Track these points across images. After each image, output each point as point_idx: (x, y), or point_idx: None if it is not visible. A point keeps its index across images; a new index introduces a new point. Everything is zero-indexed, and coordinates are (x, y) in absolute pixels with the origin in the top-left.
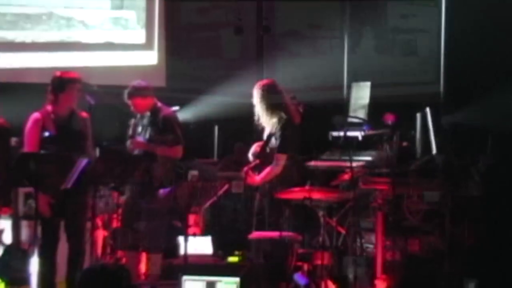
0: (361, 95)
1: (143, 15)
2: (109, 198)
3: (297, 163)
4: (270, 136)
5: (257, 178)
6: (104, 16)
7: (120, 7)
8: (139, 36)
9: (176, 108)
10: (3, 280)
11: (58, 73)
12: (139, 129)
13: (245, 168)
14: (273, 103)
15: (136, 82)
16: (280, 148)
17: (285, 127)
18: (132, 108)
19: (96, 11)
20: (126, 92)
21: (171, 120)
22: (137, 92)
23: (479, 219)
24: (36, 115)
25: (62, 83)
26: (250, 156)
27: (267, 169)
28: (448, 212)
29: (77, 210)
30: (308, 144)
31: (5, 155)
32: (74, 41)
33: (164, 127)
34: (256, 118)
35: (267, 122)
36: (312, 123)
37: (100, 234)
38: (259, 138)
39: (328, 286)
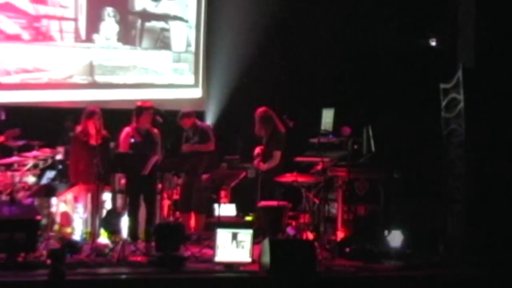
0: (328, 116)
1: (192, 66)
2: (171, 180)
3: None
4: (267, 141)
5: (264, 166)
6: (168, 67)
7: (178, 61)
8: (190, 80)
9: None
10: (106, 230)
11: (138, 103)
12: (189, 137)
13: (256, 160)
14: (267, 122)
15: (184, 109)
16: (276, 148)
17: (275, 135)
18: (182, 125)
19: (163, 63)
20: (178, 115)
21: (205, 129)
22: (184, 115)
23: (401, 193)
24: (127, 129)
25: (141, 109)
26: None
27: (269, 161)
28: (382, 188)
29: (150, 187)
30: (295, 146)
31: (107, 153)
32: (150, 82)
33: (202, 134)
34: (256, 131)
35: (264, 134)
36: (298, 133)
37: (166, 203)
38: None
39: (308, 235)
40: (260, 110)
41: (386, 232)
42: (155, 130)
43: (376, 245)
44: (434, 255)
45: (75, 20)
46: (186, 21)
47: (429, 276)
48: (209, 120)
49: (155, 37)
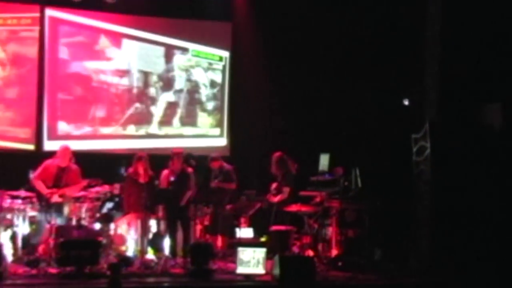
0: (324, 159)
1: (218, 121)
2: (202, 209)
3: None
4: (281, 179)
5: (276, 199)
6: (207, 123)
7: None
8: (217, 132)
9: None
10: (153, 249)
11: (172, 150)
12: (216, 176)
13: (269, 195)
14: (281, 164)
15: (213, 153)
16: (286, 185)
17: (287, 175)
18: (211, 166)
19: (203, 118)
20: (208, 159)
21: (230, 171)
22: (212, 159)
23: (381, 219)
24: (165, 171)
25: (173, 154)
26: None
27: (280, 195)
28: (367, 216)
29: (186, 215)
30: (299, 183)
31: (153, 189)
32: (186, 134)
33: (226, 174)
34: (272, 170)
35: (278, 173)
36: (301, 173)
37: (198, 227)
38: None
39: (309, 252)
40: (276, 154)
41: (370, 250)
42: (189, 170)
43: (362, 259)
44: (406, 266)
45: (131, 88)
46: (218, 85)
47: (403, 282)
48: (232, 162)
49: None
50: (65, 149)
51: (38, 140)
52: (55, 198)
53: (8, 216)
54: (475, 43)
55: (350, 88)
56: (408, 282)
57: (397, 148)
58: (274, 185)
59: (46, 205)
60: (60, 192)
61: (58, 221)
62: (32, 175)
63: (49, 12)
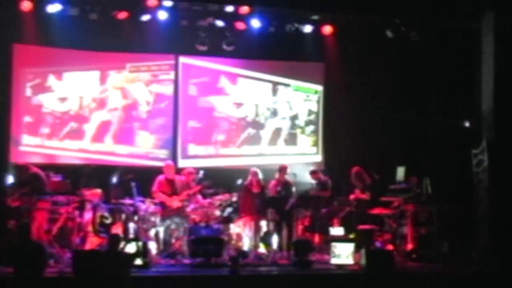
0: (401, 171)
1: (315, 141)
2: (303, 212)
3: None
4: (361, 189)
5: (362, 196)
6: (306, 143)
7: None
8: (313, 150)
9: None
10: (264, 244)
11: (280, 165)
12: (315, 185)
13: (357, 191)
14: (359, 177)
15: (312, 168)
16: (365, 191)
17: (365, 185)
18: (311, 177)
19: (302, 139)
20: (308, 172)
21: (326, 181)
22: (312, 172)
23: (447, 220)
24: (273, 182)
25: (280, 169)
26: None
27: (365, 195)
28: (436, 217)
29: (290, 217)
30: (381, 190)
31: (263, 197)
32: (290, 152)
33: (323, 184)
34: (352, 181)
35: (357, 183)
36: (383, 182)
37: (300, 227)
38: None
39: (389, 247)
40: (355, 169)
41: (438, 242)
42: (291, 182)
43: (433, 252)
44: (469, 258)
45: (245, 117)
46: (314, 113)
47: (466, 271)
48: (327, 174)
49: None
50: (169, 165)
51: (173, 159)
52: (176, 204)
53: (152, 218)
54: None
55: (422, 113)
56: (470, 271)
57: (460, 161)
58: (352, 196)
59: (170, 210)
60: (178, 198)
61: (184, 222)
62: (152, 190)
63: (182, 59)
